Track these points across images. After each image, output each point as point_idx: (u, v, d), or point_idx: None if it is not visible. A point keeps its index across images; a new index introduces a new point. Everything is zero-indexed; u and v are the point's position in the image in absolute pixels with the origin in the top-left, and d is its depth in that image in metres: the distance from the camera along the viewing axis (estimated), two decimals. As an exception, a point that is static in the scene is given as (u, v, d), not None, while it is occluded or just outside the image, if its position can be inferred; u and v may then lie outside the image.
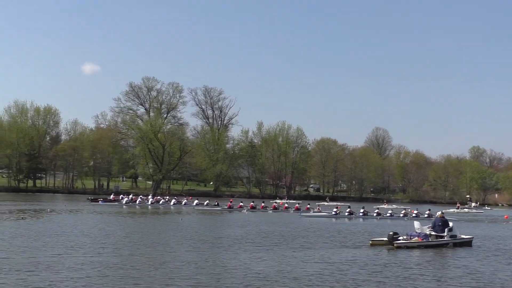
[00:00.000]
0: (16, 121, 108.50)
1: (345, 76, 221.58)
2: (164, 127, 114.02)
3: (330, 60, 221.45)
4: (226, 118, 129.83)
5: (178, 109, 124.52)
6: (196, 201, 66.67)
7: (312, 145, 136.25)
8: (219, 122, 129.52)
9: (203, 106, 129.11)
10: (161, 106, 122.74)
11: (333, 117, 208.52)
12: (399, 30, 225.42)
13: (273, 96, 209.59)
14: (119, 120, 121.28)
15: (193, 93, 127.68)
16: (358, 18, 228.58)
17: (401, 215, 57.29)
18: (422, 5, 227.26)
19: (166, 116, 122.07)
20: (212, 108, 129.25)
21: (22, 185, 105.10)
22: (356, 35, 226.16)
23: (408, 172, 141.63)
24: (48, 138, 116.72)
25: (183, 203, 66.58)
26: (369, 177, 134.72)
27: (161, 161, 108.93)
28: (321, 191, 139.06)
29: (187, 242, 27.72)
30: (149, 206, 63.36)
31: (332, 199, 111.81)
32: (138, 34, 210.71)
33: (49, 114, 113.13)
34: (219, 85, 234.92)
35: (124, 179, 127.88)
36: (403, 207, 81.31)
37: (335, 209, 56.52)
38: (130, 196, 69.21)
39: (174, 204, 65.68)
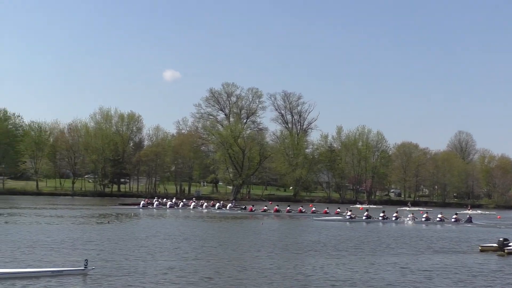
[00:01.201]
0: (101, 128, 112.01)
1: (426, 80, 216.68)
2: (243, 132, 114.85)
3: (410, 63, 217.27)
4: (305, 122, 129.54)
5: (257, 114, 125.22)
6: (217, 204, 66.23)
7: (393, 149, 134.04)
8: (298, 127, 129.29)
9: (282, 111, 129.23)
10: (240, 112, 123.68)
11: (414, 120, 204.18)
12: (479, 30, 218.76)
13: (353, 100, 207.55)
14: (200, 125, 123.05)
15: (272, 98, 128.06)
16: (442, 20, 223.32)
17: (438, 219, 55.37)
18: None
19: (246, 121, 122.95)
20: (291, 113, 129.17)
21: (107, 189, 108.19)
22: (439, 38, 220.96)
23: (494, 177, 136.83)
24: (131, 144, 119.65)
25: (191, 206, 66.27)
26: (452, 182, 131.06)
27: (241, 166, 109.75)
28: (402, 196, 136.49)
29: (267, 247, 27.89)
30: (168, 210, 62.83)
31: (414, 204, 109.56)
32: (217, 40, 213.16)
33: (133, 121, 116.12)
34: (298, 90, 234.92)
35: (205, 184, 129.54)
36: (488, 212, 78.78)
37: (349, 213, 55.25)
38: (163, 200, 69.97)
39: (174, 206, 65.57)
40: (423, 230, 44.08)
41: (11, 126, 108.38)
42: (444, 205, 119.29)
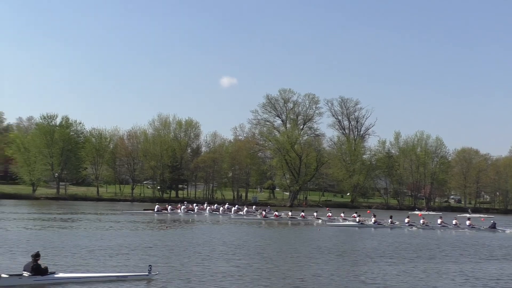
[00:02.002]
0: (160, 134, 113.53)
1: (487, 84, 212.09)
2: (300, 138, 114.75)
3: (471, 66, 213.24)
4: (363, 128, 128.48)
5: (314, 120, 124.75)
6: (233, 208, 65.69)
7: (452, 155, 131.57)
8: (356, 132, 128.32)
9: (339, 117, 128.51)
10: (297, 118, 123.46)
11: (475, 126, 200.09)
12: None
13: (411, 106, 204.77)
14: (257, 131, 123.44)
15: (329, 104, 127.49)
16: (508, 21, 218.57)
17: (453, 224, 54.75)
18: None
19: (303, 127, 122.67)
20: (348, 118, 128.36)
21: (165, 195, 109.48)
22: (502, 39, 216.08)
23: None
24: (189, 150, 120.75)
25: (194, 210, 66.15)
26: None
27: (298, 172, 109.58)
28: (462, 202, 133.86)
29: (324, 254, 27.79)
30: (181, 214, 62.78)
31: (475, 211, 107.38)
32: (273, 47, 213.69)
33: (190, 127, 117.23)
34: (356, 95, 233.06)
35: (262, 190, 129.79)
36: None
37: (358, 218, 54.32)
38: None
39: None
40: (479, 237, 43.12)
41: (73, 133, 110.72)
42: (506, 212, 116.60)
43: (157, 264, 21.24)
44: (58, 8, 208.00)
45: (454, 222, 55.28)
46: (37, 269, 17.26)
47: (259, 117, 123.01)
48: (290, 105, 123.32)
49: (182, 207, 66.79)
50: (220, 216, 62.04)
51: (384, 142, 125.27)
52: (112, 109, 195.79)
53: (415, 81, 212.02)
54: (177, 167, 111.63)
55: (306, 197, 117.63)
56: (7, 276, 17.08)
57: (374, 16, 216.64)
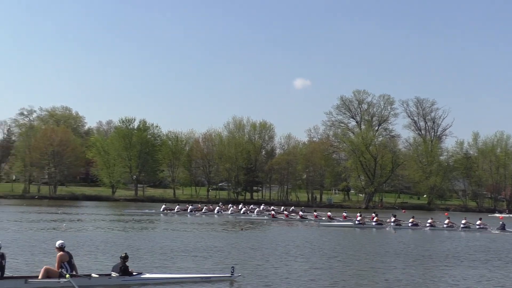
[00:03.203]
0: (234, 137, 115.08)
1: None
2: (375, 140, 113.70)
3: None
4: (439, 129, 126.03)
5: (389, 121, 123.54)
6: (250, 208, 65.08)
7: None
8: (432, 133, 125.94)
9: (415, 118, 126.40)
10: (372, 119, 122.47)
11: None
12: None
13: (489, 105, 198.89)
14: (331, 133, 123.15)
15: (405, 105, 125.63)
16: None
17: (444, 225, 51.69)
18: None
19: (378, 128, 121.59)
20: (424, 119, 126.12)
21: (240, 197, 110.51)
22: None
23: None
24: (263, 152, 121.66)
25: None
26: None
27: (373, 173, 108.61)
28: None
29: (400, 257, 27.52)
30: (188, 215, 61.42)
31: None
32: (347, 48, 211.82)
33: (264, 129, 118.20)
34: (432, 95, 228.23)
35: (337, 191, 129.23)
36: None
37: (359, 218, 51.80)
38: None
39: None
40: None
41: (150, 136, 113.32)
42: None
43: (236, 265, 21.50)
44: (131, 10, 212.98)
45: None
46: (125, 270, 17.85)
47: (333, 118, 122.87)
48: (365, 106, 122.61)
49: (190, 207, 66.34)
50: (230, 216, 60.43)
51: (462, 143, 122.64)
52: (187, 112, 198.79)
53: (493, 80, 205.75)
54: (252, 169, 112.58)
55: (381, 199, 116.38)
56: (97, 276, 17.75)
57: (450, 15, 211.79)
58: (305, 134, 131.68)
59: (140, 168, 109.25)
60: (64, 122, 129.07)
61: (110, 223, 44.91)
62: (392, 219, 51.85)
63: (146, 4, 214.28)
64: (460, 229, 50.01)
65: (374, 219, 51.49)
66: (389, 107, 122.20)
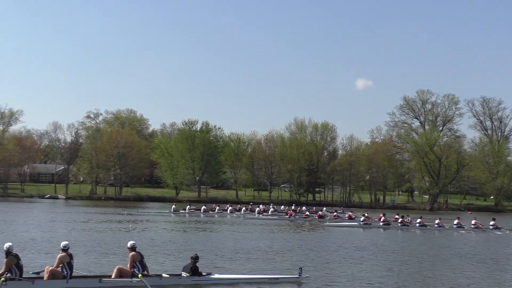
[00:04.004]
0: (296, 138, 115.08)
1: None
2: (440, 140, 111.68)
3: None
4: (507, 129, 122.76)
5: (454, 121, 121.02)
6: (257, 209, 62.75)
7: None
8: (499, 133, 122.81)
9: (481, 118, 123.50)
10: (436, 119, 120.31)
11: None
12: None
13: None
14: (394, 134, 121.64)
15: (470, 105, 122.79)
16: None
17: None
18: None
19: (442, 128, 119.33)
20: (490, 119, 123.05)
21: (302, 198, 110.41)
22: None
23: None
24: (325, 154, 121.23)
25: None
26: None
27: (437, 174, 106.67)
28: None
29: (469, 261, 27.09)
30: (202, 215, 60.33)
31: None
32: (410, 47, 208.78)
33: (326, 130, 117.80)
34: (498, 95, 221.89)
35: (400, 193, 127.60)
36: None
37: (362, 218, 50.49)
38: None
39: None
40: None
41: (213, 138, 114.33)
42: None
43: (301, 266, 21.56)
44: (198, 10, 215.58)
45: None
46: (195, 270, 18.17)
47: (396, 119, 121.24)
48: (429, 106, 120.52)
49: (203, 207, 65.36)
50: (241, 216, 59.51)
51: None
52: (250, 114, 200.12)
53: None
54: (314, 170, 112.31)
55: (446, 200, 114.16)
56: (168, 276, 18.13)
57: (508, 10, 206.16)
58: (368, 135, 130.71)
59: (203, 170, 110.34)
60: (129, 124, 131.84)
61: (173, 224, 45.52)
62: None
63: (211, 6, 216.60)
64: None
65: (382, 219, 50.60)
66: (453, 106, 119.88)
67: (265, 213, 61.12)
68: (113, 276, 17.37)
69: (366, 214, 52.87)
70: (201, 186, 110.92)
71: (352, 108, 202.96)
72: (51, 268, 16.63)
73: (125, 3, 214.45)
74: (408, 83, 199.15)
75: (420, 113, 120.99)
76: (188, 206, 65.72)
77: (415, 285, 19.97)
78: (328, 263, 24.22)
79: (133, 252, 17.71)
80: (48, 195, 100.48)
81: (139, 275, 17.00)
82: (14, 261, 16.27)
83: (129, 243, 18.04)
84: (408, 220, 51.35)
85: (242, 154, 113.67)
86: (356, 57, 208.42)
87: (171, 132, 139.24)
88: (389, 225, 50.04)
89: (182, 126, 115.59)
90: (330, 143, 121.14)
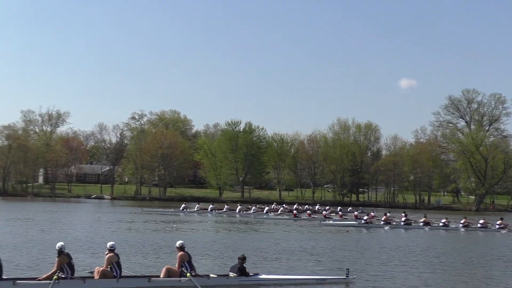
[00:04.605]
0: (340, 138, 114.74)
1: None
2: (486, 140, 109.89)
3: None
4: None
5: (501, 121, 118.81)
6: (266, 208, 62.36)
7: None
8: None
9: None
10: (482, 119, 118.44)
11: None
12: None
13: None
14: (439, 134, 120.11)
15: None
16: None
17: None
18: None
19: (488, 128, 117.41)
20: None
21: (346, 199, 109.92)
22: None
23: None
24: (369, 154, 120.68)
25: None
26: None
27: (484, 175, 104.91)
28: None
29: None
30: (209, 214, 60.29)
31: None
32: (454, 45, 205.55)
33: (370, 130, 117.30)
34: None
35: (445, 193, 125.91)
36: None
37: (365, 217, 49.73)
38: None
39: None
40: None
41: (256, 138, 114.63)
42: None
43: (348, 267, 21.48)
44: (241, 9, 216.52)
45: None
46: (243, 271, 18.27)
47: (441, 119, 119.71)
48: (474, 105, 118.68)
49: (210, 206, 65.67)
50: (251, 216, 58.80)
51: None
52: (293, 114, 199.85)
53: None
54: (357, 171, 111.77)
55: (493, 201, 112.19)
56: (215, 276, 18.26)
57: None
58: (412, 135, 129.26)
59: (246, 170, 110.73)
60: (173, 125, 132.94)
61: (215, 224, 45.70)
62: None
63: (253, 4, 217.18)
64: None
65: (383, 218, 49.84)
66: (500, 106, 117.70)
67: (275, 213, 61.19)
68: (161, 276, 17.56)
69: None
70: (244, 187, 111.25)
71: (395, 108, 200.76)
72: (101, 268, 16.90)
73: (168, 5, 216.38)
74: (453, 82, 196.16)
75: (465, 113, 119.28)
76: (197, 205, 66.28)
77: (462, 286, 19.70)
78: (372, 264, 24.06)
79: (181, 252, 17.88)
80: (94, 196, 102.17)
81: (188, 274, 17.15)
82: (66, 260, 16.57)
83: (178, 243, 18.21)
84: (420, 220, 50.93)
85: (285, 155, 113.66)
86: (400, 56, 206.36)
87: (215, 133, 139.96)
88: (390, 223, 49.30)
89: (226, 127, 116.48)
90: (373, 143, 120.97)
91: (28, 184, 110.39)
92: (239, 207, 64.53)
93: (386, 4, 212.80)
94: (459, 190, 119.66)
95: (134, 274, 18.05)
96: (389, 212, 55.22)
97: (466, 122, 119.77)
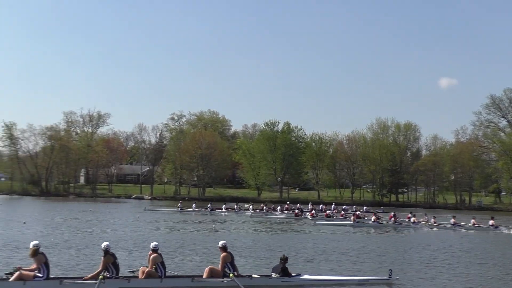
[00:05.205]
0: (378, 138, 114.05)
1: None
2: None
3: None
4: None
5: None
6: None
7: None
8: None
9: None
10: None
11: None
12: None
13: None
14: (480, 133, 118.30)
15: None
16: None
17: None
18: None
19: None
20: None
21: (385, 199, 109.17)
22: None
23: None
24: (408, 154, 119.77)
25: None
26: None
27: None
28: None
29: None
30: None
31: None
32: (496, 44, 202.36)
33: (409, 130, 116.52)
34: None
35: (487, 193, 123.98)
36: None
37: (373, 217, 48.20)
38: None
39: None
40: None
41: (294, 139, 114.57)
42: None
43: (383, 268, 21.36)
44: (281, 9, 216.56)
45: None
46: (285, 271, 18.30)
47: (482, 118, 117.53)
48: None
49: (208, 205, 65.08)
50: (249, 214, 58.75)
51: None
52: (331, 115, 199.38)
53: None
54: (397, 171, 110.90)
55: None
56: (258, 276, 18.32)
57: None
58: (452, 135, 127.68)
59: (285, 170, 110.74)
60: (211, 125, 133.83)
61: (252, 225, 45.73)
62: None
63: (293, 4, 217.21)
64: None
65: (372, 218, 48.65)
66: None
67: (274, 212, 60.73)
68: (204, 276, 17.67)
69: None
70: (283, 187, 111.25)
71: (435, 108, 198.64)
72: (147, 269, 17.08)
73: (207, 5, 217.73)
74: (495, 81, 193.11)
75: (507, 112, 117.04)
76: (194, 205, 66.81)
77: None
78: (413, 265, 23.88)
79: (224, 253, 17.97)
80: (134, 196, 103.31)
81: (231, 275, 17.24)
82: (111, 259, 16.80)
83: (221, 243, 18.30)
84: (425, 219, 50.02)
85: (323, 155, 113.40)
86: (439, 55, 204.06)
87: (253, 133, 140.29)
88: (381, 223, 48.24)
89: (264, 127, 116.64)
90: (413, 143, 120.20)
91: (70, 184, 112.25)
92: (246, 205, 65.46)
93: (427, 3, 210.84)
94: (501, 190, 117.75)
95: (177, 274, 18.22)
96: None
97: (508, 121, 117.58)
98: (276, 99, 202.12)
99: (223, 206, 64.92)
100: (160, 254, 17.40)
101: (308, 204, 74.91)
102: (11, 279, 15.83)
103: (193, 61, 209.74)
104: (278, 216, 56.99)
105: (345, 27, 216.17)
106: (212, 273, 17.70)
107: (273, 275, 18.38)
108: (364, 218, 50.95)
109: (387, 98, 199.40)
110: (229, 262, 17.82)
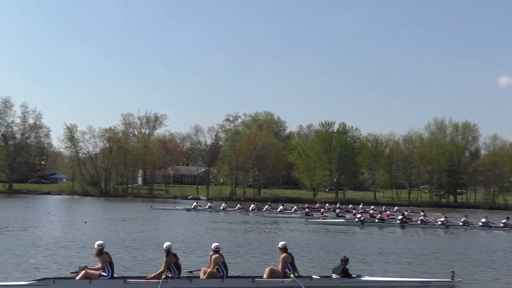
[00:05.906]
0: (436, 138, 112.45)
1: None
2: None
3: None
4: None
5: None
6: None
7: None
8: None
9: None
10: None
11: None
12: None
13: None
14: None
15: None
16: None
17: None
18: None
19: None
20: None
21: (443, 200, 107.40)
22: None
23: None
24: (467, 154, 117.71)
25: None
26: None
27: None
28: None
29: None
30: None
31: None
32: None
33: (468, 130, 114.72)
34: None
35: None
36: None
37: (358, 215, 46.72)
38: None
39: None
40: None
41: (350, 139, 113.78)
42: None
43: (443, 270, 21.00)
44: (337, 9, 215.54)
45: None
46: (346, 272, 18.22)
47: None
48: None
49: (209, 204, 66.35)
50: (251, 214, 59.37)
51: None
52: (387, 115, 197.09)
53: None
54: (455, 171, 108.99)
55: None
56: (318, 277, 18.28)
57: None
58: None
59: (340, 171, 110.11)
60: (266, 126, 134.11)
61: (303, 225, 45.54)
62: None
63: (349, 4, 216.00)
64: None
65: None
66: None
67: (287, 211, 60.24)
68: (265, 276, 17.72)
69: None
70: (339, 188, 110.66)
71: (495, 107, 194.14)
72: (209, 269, 17.24)
73: (263, 5, 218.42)
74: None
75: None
76: (209, 204, 67.50)
77: None
78: (475, 267, 23.44)
79: (284, 254, 17.98)
80: (191, 196, 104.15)
81: (291, 275, 17.26)
82: (173, 260, 17.02)
83: (281, 244, 18.30)
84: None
85: (379, 155, 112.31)
86: (499, 54, 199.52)
87: (308, 134, 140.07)
88: (366, 221, 46.52)
89: (319, 128, 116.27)
90: (471, 143, 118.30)
91: (128, 185, 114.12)
92: (252, 205, 65.12)
93: (486, 2, 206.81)
94: None
95: (238, 275, 18.33)
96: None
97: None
98: (331, 100, 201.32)
99: (238, 205, 67.20)
100: (221, 255, 17.54)
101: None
102: (77, 277, 16.19)
103: (248, 61, 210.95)
104: (283, 215, 56.79)
105: (405, 26, 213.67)
106: (273, 274, 17.73)
107: (334, 276, 18.31)
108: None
109: (445, 98, 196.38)
110: (289, 263, 17.84)
